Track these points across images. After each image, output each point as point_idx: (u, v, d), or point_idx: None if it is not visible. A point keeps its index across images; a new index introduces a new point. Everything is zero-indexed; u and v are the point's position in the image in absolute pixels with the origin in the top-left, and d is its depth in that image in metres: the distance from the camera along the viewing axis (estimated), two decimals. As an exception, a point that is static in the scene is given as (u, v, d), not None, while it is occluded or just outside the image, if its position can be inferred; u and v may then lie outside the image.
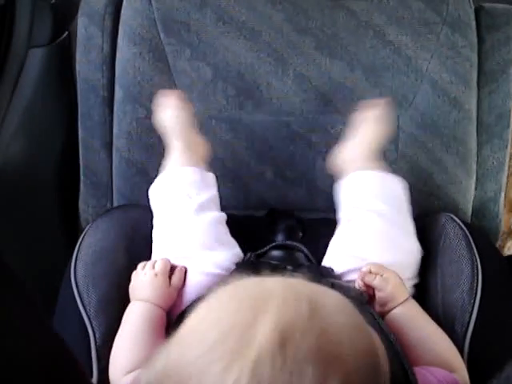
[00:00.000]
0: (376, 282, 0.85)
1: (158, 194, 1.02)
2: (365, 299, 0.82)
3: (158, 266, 0.88)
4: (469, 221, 1.18)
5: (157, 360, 0.50)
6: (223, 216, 0.99)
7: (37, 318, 0.52)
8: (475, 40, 1.15)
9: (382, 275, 0.85)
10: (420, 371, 0.70)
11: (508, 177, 1.39)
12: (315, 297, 0.50)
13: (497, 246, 1.25)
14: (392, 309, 0.83)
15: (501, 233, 1.29)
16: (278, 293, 0.50)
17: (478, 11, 1.18)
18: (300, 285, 0.52)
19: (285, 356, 0.44)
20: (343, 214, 0.99)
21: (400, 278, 0.86)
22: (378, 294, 0.84)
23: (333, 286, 0.81)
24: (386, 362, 0.52)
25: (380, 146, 1.06)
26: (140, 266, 0.89)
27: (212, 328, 0.48)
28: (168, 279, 0.87)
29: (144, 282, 0.87)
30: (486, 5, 1.19)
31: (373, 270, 0.86)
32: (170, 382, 0.47)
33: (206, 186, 1.01)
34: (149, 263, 0.89)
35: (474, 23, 1.15)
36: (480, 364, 0.77)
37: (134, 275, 0.89)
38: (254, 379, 0.44)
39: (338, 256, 0.93)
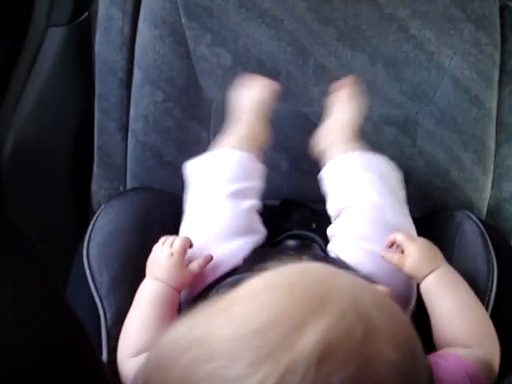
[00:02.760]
0: (394, 261, 0.85)
1: (198, 171, 1.01)
2: (381, 290, 0.81)
3: (175, 246, 0.85)
4: (484, 219, 1.17)
5: (176, 329, 0.49)
6: (255, 204, 0.98)
7: (50, 285, 0.52)
8: (499, 38, 1.14)
9: (403, 251, 0.85)
10: (435, 360, 0.70)
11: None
12: (375, 319, 0.46)
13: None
14: (421, 281, 0.84)
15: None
16: (338, 300, 0.46)
17: (503, 10, 1.17)
18: (365, 295, 0.49)
19: (319, 374, 0.42)
20: (333, 204, 0.98)
21: (431, 247, 0.86)
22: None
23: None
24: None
25: (356, 124, 1.06)
26: (161, 239, 0.87)
27: (259, 312, 0.46)
28: (183, 260, 0.84)
29: (159, 259, 0.85)
30: (511, 2, 1.18)
31: (398, 240, 0.86)
32: (188, 355, 0.46)
33: (250, 175, 0.99)
34: (169, 239, 0.86)
35: (498, 21, 1.14)
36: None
37: (154, 248, 0.87)
38: None
39: (343, 247, 0.92)
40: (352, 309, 0.46)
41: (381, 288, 0.62)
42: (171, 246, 0.85)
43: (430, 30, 1.13)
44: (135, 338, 0.78)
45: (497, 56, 1.14)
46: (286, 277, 0.50)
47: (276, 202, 1.12)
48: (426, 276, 0.83)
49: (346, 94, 1.07)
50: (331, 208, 0.99)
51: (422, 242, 0.86)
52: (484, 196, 1.17)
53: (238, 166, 0.99)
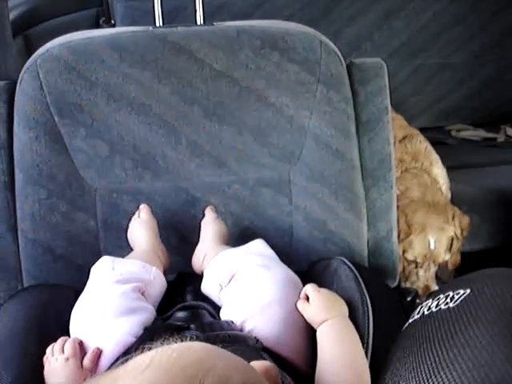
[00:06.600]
0: (300, 307, 0.94)
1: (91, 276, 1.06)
2: (260, 346, 0.87)
3: (67, 350, 0.88)
4: (366, 261, 1.25)
5: None
6: (139, 285, 1.02)
7: None
8: (349, 94, 1.24)
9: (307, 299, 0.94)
10: None
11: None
12: None
13: (397, 277, 1.33)
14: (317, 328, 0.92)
15: (399, 268, 1.38)
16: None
17: (350, 67, 1.27)
18: (237, 377, 0.57)
19: None
20: (223, 275, 1.04)
21: (331, 298, 0.95)
22: None
23: (229, 337, 0.86)
24: None
25: (224, 235, 1.19)
26: (48, 350, 0.90)
27: None
28: (80, 362, 0.88)
29: (56, 369, 0.88)
30: (357, 60, 1.29)
31: (307, 291, 0.95)
32: None
33: (140, 278, 1.05)
34: (56, 346, 0.89)
35: (346, 79, 1.24)
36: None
37: (46, 361, 0.89)
38: None
39: (233, 307, 0.98)
40: None
41: (261, 364, 0.67)
42: (62, 351, 0.88)
43: (285, 96, 1.22)
44: None
45: (350, 110, 1.24)
46: (166, 357, 0.57)
47: (171, 277, 1.18)
48: (320, 323, 0.91)
49: (209, 217, 1.21)
50: (222, 279, 1.05)
51: (325, 292, 0.96)
52: (362, 239, 1.25)
53: (130, 271, 1.05)
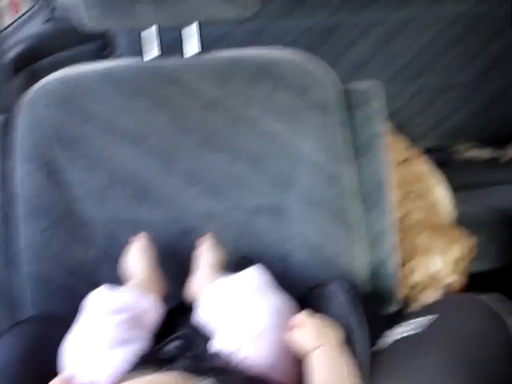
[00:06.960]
0: (287, 336, 0.93)
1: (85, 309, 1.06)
2: (250, 377, 0.86)
3: None
4: (365, 286, 1.25)
5: None
6: (133, 315, 1.03)
7: None
8: (345, 118, 1.24)
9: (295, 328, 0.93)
10: None
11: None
12: None
13: (398, 302, 1.32)
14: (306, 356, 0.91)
15: (403, 291, 1.36)
16: None
17: (346, 90, 1.27)
18: None
19: None
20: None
21: (322, 325, 0.94)
22: None
23: (219, 368, 0.86)
24: None
25: (220, 264, 1.18)
26: None
27: None
28: None
29: None
30: (353, 83, 1.29)
31: (299, 318, 0.94)
32: None
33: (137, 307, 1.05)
34: None
35: (342, 103, 1.25)
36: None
37: None
38: None
39: (227, 336, 0.97)
40: None
41: None
42: None
43: (280, 123, 1.22)
44: None
45: (345, 134, 1.24)
46: None
47: (169, 306, 1.18)
48: (310, 351, 0.90)
49: (206, 245, 1.21)
50: (217, 307, 1.05)
51: (317, 319, 0.95)
52: (361, 263, 1.24)
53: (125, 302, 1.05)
